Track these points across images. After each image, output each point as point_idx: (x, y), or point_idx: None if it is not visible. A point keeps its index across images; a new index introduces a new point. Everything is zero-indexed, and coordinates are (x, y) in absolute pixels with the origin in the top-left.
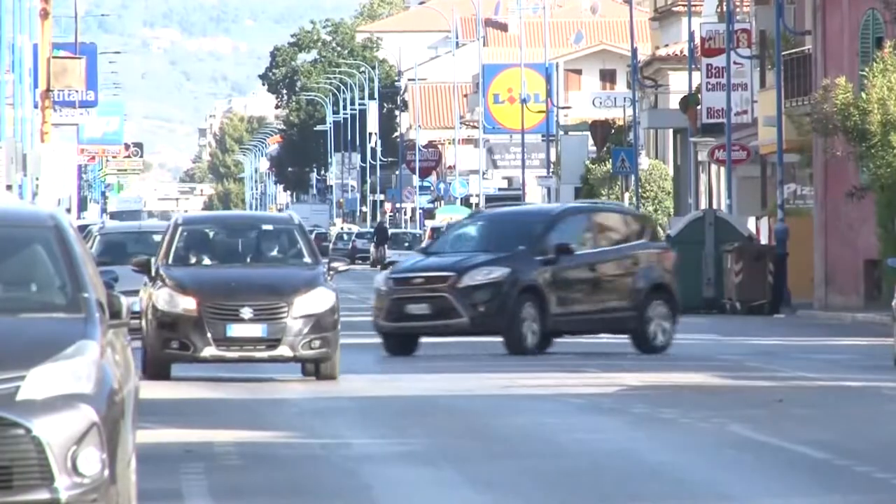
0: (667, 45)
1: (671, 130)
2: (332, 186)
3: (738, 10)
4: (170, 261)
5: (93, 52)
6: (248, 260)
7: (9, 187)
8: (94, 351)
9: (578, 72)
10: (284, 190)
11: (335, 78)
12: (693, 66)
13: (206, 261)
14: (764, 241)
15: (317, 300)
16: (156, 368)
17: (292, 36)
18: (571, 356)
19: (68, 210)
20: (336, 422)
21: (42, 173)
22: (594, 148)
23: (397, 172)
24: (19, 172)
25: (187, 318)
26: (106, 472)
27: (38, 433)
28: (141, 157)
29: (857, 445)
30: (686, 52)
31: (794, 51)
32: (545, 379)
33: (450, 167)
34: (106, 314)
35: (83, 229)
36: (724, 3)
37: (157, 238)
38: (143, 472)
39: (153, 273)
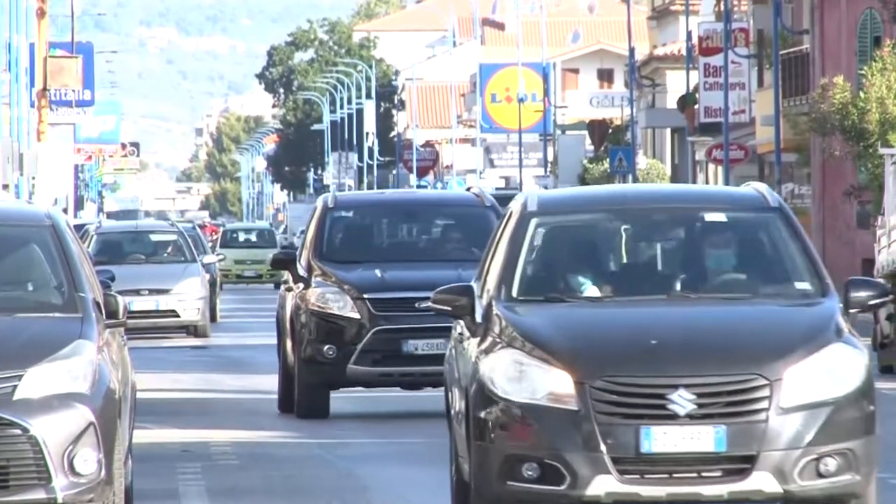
0: (664, 45)
1: (669, 130)
2: (329, 186)
3: (735, 9)
4: (514, 292)
5: (89, 51)
6: (676, 288)
7: (5, 187)
8: (90, 351)
9: (576, 71)
10: (281, 189)
11: (332, 77)
12: (691, 66)
13: (590, 290)
14: None
15: (831, 371)
16: None
17: (289, 35)
18: None
19: (65, 210)
20: (333, 421)
21: (38, 173)
22: (591, 147)
23: (394, 172)
24: (16, 172)
25: (558, 414)
26: (102, 472)
27: (35, 433)
28: (138, 156)
29: None
30: (684, 52)
31: (791, 50)
32: None
33: (447, 166)
34: (102, 314)
35: (80, 229)
36: (722, 3)
37: (154, 238)
38: (140, 471)
39: (476, 316)
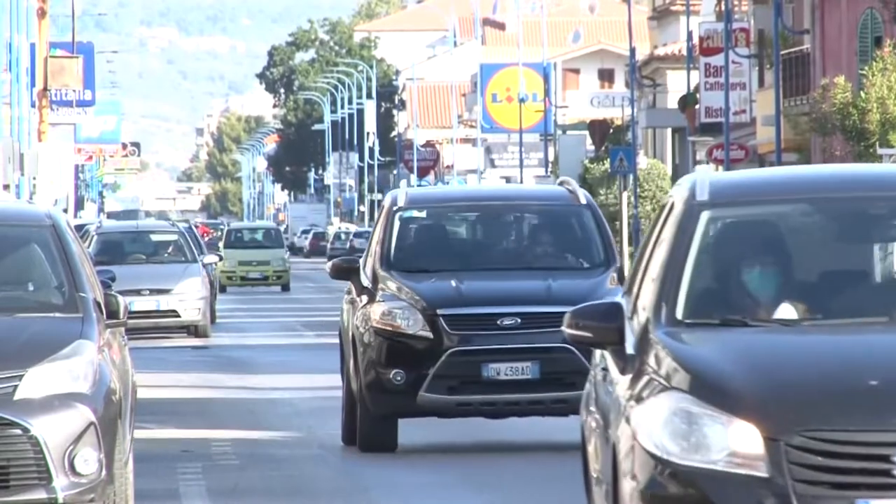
0: (665, 45)
1: (669, 130)
2: (329, 186)
3: (736, 9)
4: (678, 313)
5: (90, 51)
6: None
7: (6, 187)
8: (91, 351)
9: (576, 71)
10: (282, 189)
11: (333, 77)
12: (691, 66)
13: (783, 310)
14: None
15: None
16: None
17: (290, 35)
18: None
19: (65, 210)
20: (334, 422)
21: (39, 173)
22: (592, 147)
23: (395, 172)
24: (16, 172)
25: (742, 482)
26: (103, 472)
27: (35, 433)
28: (138, 156)
29: None
30: (684, 52)
31: (792, 50)
32: None
33: (448, 167)
34: (103, 314)
35: (80, 229)
36: (723, 3)
37: (154, 238)
38: (140, 471)
39: (627, 346)
